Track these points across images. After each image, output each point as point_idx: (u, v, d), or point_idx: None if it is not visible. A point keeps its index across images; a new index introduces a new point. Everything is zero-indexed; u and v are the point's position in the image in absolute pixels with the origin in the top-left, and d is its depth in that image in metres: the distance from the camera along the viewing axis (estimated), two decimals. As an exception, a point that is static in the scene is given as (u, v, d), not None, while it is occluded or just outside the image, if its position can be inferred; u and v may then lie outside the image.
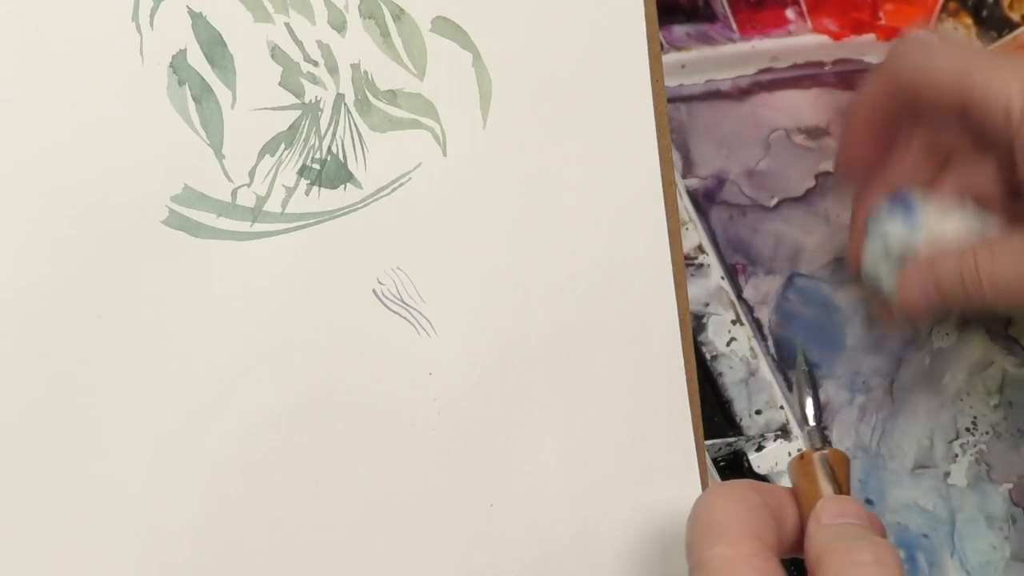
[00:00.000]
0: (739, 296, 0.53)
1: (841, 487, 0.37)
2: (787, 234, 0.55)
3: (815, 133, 0.57)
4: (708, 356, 0.51)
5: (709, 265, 0.53)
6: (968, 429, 0.54)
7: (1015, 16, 0.61)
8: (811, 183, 0.56)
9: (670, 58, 0.55)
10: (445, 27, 0.44)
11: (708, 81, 0.56)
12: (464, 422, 0.42)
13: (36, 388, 0.37)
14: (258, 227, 0.40)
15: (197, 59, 0.39)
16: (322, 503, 0.40)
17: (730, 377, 0.51)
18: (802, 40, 0.58)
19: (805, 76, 0.59)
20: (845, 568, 0.33)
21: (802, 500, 0.37)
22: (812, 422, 0.40)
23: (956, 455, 0.54)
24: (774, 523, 0.36)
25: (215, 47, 0.40)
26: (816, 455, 0.37)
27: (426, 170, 0.43)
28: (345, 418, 0.41)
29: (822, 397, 0.53)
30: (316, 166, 0.41)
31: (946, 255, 0.48)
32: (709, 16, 0.57)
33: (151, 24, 0.39)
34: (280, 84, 0.41)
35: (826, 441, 0.39)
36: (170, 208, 0.39)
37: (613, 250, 0.46)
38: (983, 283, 0.47)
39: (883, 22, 0.60)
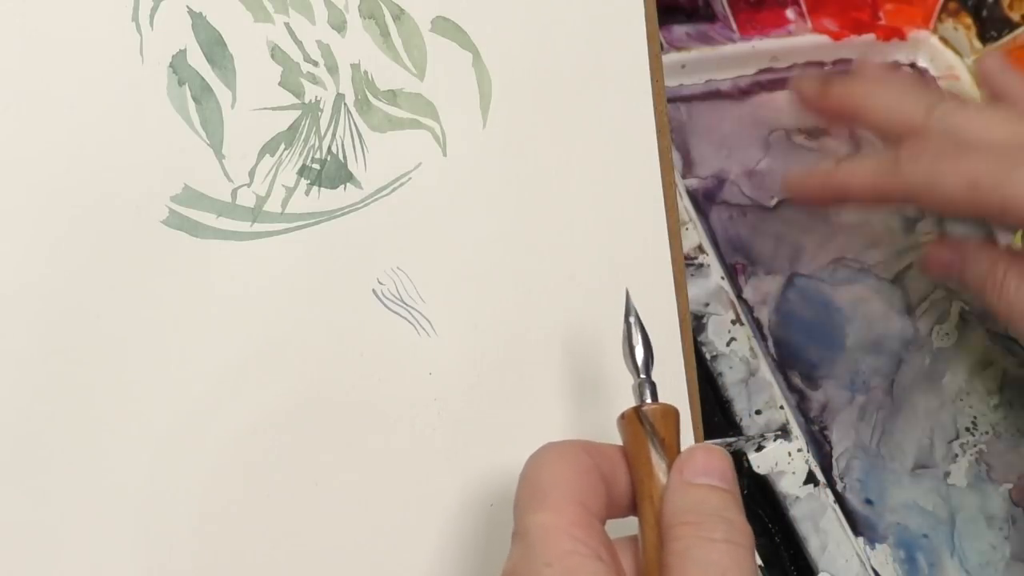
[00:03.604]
0: (739, 296, 0.53)
1: (666, 445, 0.35)
2: (787, 234, 0.55)
3: (815, 133, 0.57)
4: (708, 356, 0.51)
5: (709, 265, 0.53)
6: (968, 429, 0.54)
7: (1015, 16, 0.61)
8: (811, 183, 0.56)
9: (670, 58, 0.55)
10: (445, 27, 0.44)
11: (708, 81, 0.56)
12: (464, 422, 0.42)
13: (36, 388, 0.37)
14: (258, 227, 0.40)
15: (197, 59, 0.39)
16: (322, 503, 0.40)
17: (730, 377, 0.51)
18: (802, 40, 0.58)
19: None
20: (696, 543, 0.32)
21: (630, 461, 0.35)
22: (642, 375, 0.36)
23: (956, 455, 0.54)
24: (603, 487, 0.34)
25: (215, 47, 0.40)
26: (638, 411, 0.35)
27: (426, 170, 0.43)
28: (345, 418, 0.41)
29: (822, 397, 0.53)
30: (316, 166, 0.41)
31: (979, 252, 0.50)
32: (709, 16, 0.57)
33: (151, 24, 0.39)
34: (280, 84, 0.41)
35: (656, 395, 0.36)
36: (170, 208, 0.39)
37: (613, 250, 0.46)
38: (999, 303, 0.48)
39: (883, 22, 0.60)
